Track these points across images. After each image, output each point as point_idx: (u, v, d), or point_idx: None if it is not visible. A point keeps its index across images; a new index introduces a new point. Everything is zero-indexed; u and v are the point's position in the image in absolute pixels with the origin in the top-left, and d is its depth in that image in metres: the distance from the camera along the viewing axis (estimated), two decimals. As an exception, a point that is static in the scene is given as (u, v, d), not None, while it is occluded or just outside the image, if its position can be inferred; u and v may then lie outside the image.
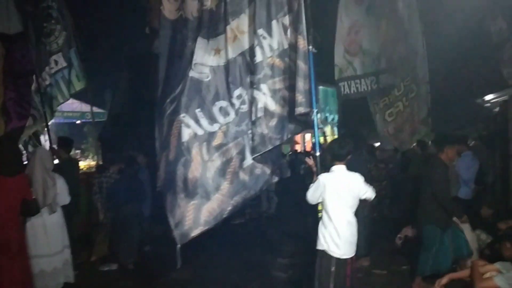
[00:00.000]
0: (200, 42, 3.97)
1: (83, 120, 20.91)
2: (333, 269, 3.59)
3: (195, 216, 3.68)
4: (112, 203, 5.88)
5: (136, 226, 5.95)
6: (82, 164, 13.31)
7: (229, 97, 3.92)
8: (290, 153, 14.92)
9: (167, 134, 3.88)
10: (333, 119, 17.95)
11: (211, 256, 5.95)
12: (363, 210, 5.28)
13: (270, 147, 3.75)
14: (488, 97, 10.63)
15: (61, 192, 4.43)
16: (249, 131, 3.84)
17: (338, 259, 3.60)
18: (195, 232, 3.66)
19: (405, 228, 5.73)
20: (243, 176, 3.85)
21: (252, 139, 3.81)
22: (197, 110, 3.86)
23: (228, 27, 3.92)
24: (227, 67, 3.94)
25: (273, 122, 3.73)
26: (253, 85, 3.82)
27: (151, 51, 5.35)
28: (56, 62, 7.06)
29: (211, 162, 3.79)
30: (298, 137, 17.94)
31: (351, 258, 3.69)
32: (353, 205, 3.72)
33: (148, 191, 6.32)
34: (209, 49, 3.99)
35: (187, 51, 4.00)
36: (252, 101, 3.82)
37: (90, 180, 6.72)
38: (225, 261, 5.91)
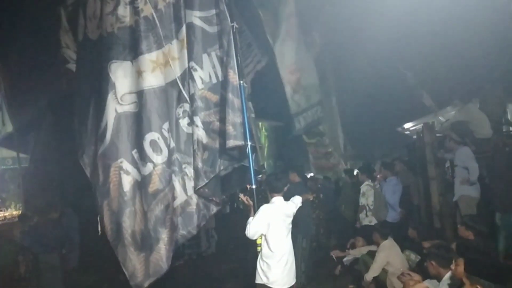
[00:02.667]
0: (123, 66, 3.68)
1: (3, 167, 19.22)
2: (273, 302, 3.56)
3: (146, 267, 3.55)
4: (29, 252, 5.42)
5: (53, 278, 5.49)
6: (3, 214, 12.21)
7: (159, 128, 3.63)
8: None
9: (104, 181, 3.60)
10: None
11: None
12: (302, 241, 5.40)
13: (205, 181, 3.62)
14: (407, 125, 11.59)
15: None
16: (183, 166, 3.71)
17: (278, 291, 3.59)
18: (147, 283, 3.54)
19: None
20: (174, 218, 3.70)
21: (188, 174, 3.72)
22: (134, 152, 3.60)
23: (160, 51, 3.71)
24: (156, 92, 3.66)
25: (205, 155, 3.63)
26: (183, 117, 3.73)
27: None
28: None
29: (150, 212, 3.56)
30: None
31: (291, 287, 3.74)
32: (289, 232, 3.84)
33: (75, 238, 5.92)
34: (133, 71, 3.69)
35: (103, 73, 3.67)
36: (180, 134, 3.72)
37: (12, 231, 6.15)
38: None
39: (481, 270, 2.44)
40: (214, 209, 3.89)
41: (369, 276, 5.04)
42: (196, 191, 3.71)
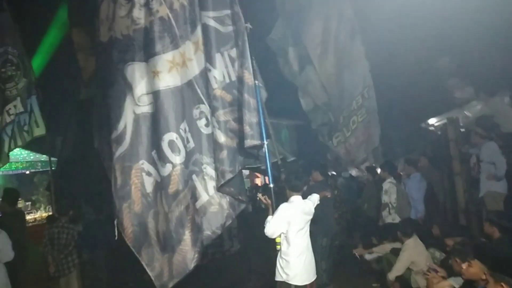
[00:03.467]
0: (138, 67, 3.67)
1: (32, 170, 19.92)
2: (293, 299, 3.57)
3: (170, 268, 3.57)
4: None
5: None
6: (33, 216, 12.61)
7: (177, 128, 3.61)
8: (250, 187, 14.90)
9: (124, 183, 3.60)
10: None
11: None
12: (322, 240, 5.37)
13: (223, 180, 3.62)
14: (431, 121, 11.32)
15: (3, 248, 4.14)
16: (203, 167, 3.73)
17: (297, 287, 3.62)
18: (171, 283, 3.55)
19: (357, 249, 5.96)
20: (197, 219, 3.70)
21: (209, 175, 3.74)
22: (153, 153, 3.60)
23: (177, 51, 3.70)
24: (173, 92, 3.65)
25: (223, 154, 3.61)
26: (200, 118, 3.74)
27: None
28: (14, 107, 6.89)
29: (170, 213, 3.56)
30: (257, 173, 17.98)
31: (311, 284, 3.75)
32: (308, 229, 3.84)
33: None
34: (149, 71, 3.67)
35: (119, 75, 3.68)
36: (199, 135, 3.73)
37: (42, 232, 6.36)
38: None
39: (506, 267, 2.38)
40: (240, 207, 3.89)
41: (392, 275, 4.96)
42: (220, 190, 3.72)
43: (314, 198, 4.11)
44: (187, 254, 3.58)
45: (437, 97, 10.48)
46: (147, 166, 3.58)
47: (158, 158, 3.59)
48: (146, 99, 3.67)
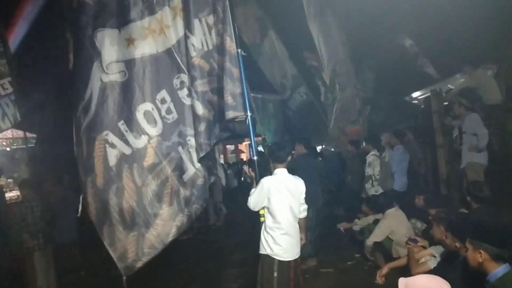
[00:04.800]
0: (110, 34, 3.48)
1: (14, 147, 19.49)
2: (275, 274, 3.56)
3: (138, 247, 3.39)
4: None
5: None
6: (17, 193, 12.40)
7: (153, 99, 3.48)
8: (236, 162, 14.90)
9: (88, 156, 3.42)
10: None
11: (160, 275, 5.68)
12: (308, 212, 5.39)
13: (202, 154, 3.50)
14: (415, 94, 11.38)
15: None
16: (187, 139, 3.59)
17: (281, 262, 3.59)
18: (139, 264, 3.39)
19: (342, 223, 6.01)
20: (185, 192, 3.58)
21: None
22: (120, 123, 3.42)
23: (153, 17, 3.52)
24: (149, 61, 3.49)
25: (202, 127, 3.47)
26: (181, 88, 3.58)
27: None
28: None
29: (145, 187, 3.41)
30: (243, 146, 17.98)
31: (295, 260, 3.68)
32: (296, 206, 3.76)
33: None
34: (122, 39, 3.49)
35: (87, 42, 3.46)
36: (181, 106, 3.58)
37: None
38: (175, 278, 5.73)
39: (485, 235, 2.40)
40: (211, 179, 3.80)
41: (370, 240, 5.05)
42: (200, 163, 3.61)
43: (305, 206, 3.90)
44: (164, 228, 3.47)
45: (419, 71, 10.60)
46: (111, 137, 3.40)
47: (129, 129, 3.42)
48: (115, 67, 3.46)
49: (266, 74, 10.32)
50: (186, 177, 3.61)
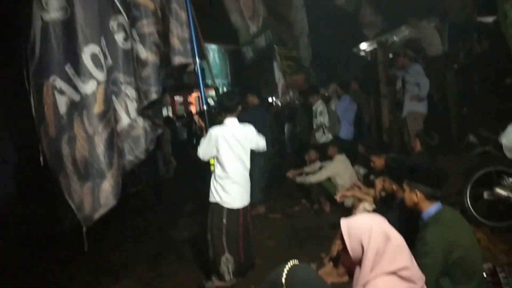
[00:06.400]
0: None
1: None
2: (224, 220, 3.63)
3: (93, 198, 3.24)
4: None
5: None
6: None
7: (99, 40, 3.18)
8: (185, 114, 14.63)
9: (38, 103, 3.15)
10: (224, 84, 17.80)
11: (111, 227, 5.51)
12: (259, 161, 5.48)
13: (146, 102, 3.32)
14: (362, 46, 11.57)
15: None
16: (123, 87, 3.37)
17: (230, 210, 3.65)
18: (97, 215, 3.25)
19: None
20: (120, 143, 3.43)
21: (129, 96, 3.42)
22: (67, 67, 3.12)
23: None
24: None
25: (146, 72, 3.26)
26: (118, 31, 3.31)
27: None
28: None
29: (98, 135, 3.20)
30: (192, 98, 17.62)
31: (244, 208, 3.76)
32: (246, 156, 3.79)
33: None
34: None
35: None
36: (116, 51, 3.33)
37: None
38: (126, 229, 5.72)
39: (420, 176, 2.55)
40: (158, 131, 3.67)
41: (314, 178, 5.32)
42: (142, 112, 3.43)
43: (262, 142, 3.95)
44: (117, 179, 3.35)
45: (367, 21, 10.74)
46: (59, 83, 3.12)
47: (76, 73, 3.14)
48: (56, 3, 3.07)
49: (230, 12, 9.56)
50: (119, 127, 3.44)
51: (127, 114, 3.43)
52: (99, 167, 3.24)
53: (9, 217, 5.89)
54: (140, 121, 3.46)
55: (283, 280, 1.41)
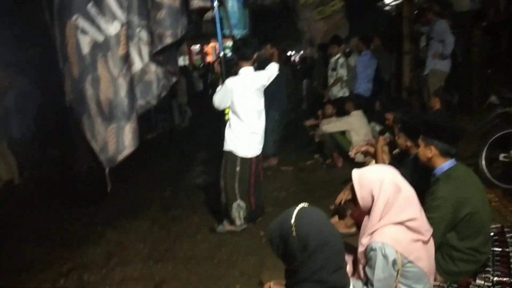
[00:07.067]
0: None
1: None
2: (238, 169, 3.69)
3: (118, 140, 3.28)
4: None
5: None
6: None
7: None
8: (202, 65, 14.51)
9: (62, 43, 3.17)
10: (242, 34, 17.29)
11: (128, 172, 5.59)
12: (275, 114, 5.47)
13: (160, 46, 3.23)
14: (387, 0, 11.09)
15: None
16: (137, 30, 3.29)
17: (243, 159, 3.70)
18: (121, 156, 3.31)
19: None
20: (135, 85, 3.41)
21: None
22: (90, 5, 3.06)
23: None
24: None
25: (161, 14, 3.15)
26: None
27: None
28: None
29: (122, 77, 3.19)
30: (209, 48, 17.37)
31: (257, 157, 3.81)
32: (260, 105, 3.79)
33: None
34: None
35: None
36: None
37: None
38: (142, 176, 5.87)
39: (436, 132, 2.53)
40: (173, 79, 3.65)
41: (327, 127, 5.31)
42: (154, 57, 3.37)
43: (273, 69, 3.93)
44: (137, 121, 3.44)
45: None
46: (82, 22, 3.08)
47: (100, 12, 3.09)
48: None
49: None
50: (132, 71, 3.37)
51: (140, 58, 3.39)
52: (123, 109, 3.26)
53: (30, 159, 6.08)
54: (153, 66, 3.43)
55: (292, 221, 1.44)
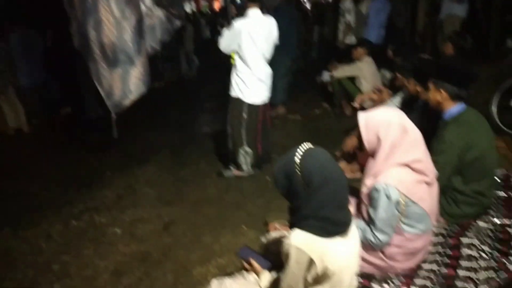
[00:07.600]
0: None
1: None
2: (244, 115, 3.67)
3: (123, 85, 3.31)
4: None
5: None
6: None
7: None
8: (209, 12, 14.09)
9: None
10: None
11: (135, 120, 5.64)
12: (284, 61, 5.35)
13: None
14: None
15: None
16: None
17: (250, 105, 3.68)
18: (127, 101, 3.36)
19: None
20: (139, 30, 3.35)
21: None
22: None
23: None
24: None
25: None
26: None
27: None
28: None
29: (126, 20, 3.17)
30: (216, -5, 16.74)
31: (264, 104, 3.78)
32: (268, 51, 3.70)
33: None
34: None
35: None
36: None
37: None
38: (150, 123, 5.89)
39: (447, 75, 2.45)
40: (177, 23, 3.56)
41: (337, 72, 5.22)
42: (156, 1, 3.32)
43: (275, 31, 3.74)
44: (147, 66, 3.41)
45: None
46: None
47: None
48: None
49: None
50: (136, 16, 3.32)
51: (142, 2, 3.31)
52: (127, 53, 3.25)
53: (38, 105, 6.12)
54: (156, 10, 3.34)
55: (296, 159, 1.45)
